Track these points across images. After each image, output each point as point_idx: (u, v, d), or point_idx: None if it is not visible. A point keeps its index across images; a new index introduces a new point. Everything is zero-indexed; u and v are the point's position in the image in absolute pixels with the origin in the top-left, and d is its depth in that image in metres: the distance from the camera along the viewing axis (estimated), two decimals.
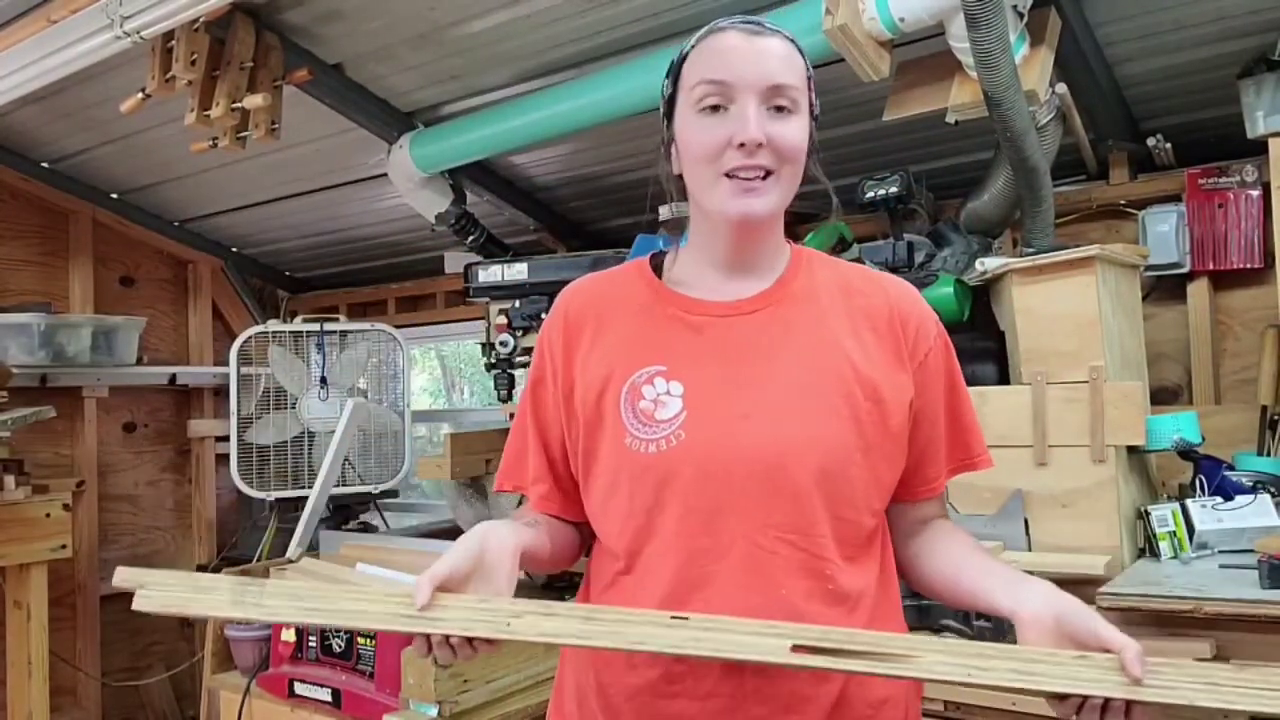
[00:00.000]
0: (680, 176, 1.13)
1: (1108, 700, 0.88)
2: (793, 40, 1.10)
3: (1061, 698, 0.89)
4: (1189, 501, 1.88)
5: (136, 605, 0.97)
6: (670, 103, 1.13)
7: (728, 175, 1.05)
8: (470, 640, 0.96)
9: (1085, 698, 0.88)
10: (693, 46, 1.11)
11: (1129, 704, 0.88)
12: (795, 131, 1.07)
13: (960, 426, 1.18)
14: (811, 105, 1.11)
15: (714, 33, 1.10)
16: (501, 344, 2.84)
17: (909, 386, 1.11)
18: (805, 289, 1.13)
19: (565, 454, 1.16)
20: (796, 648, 0.89)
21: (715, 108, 1.06)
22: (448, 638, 0.96)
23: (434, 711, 1.98)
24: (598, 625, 0.94)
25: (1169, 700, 0.86)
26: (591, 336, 1.14)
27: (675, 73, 1.12)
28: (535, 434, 1.18)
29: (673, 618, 0.93)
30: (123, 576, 0.99)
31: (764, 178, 1.06)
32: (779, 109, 1.06)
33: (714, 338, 1.10)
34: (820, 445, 1.04)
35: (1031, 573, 1.05)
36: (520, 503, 1.29)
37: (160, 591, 0.98)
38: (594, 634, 0.94)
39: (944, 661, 0.89)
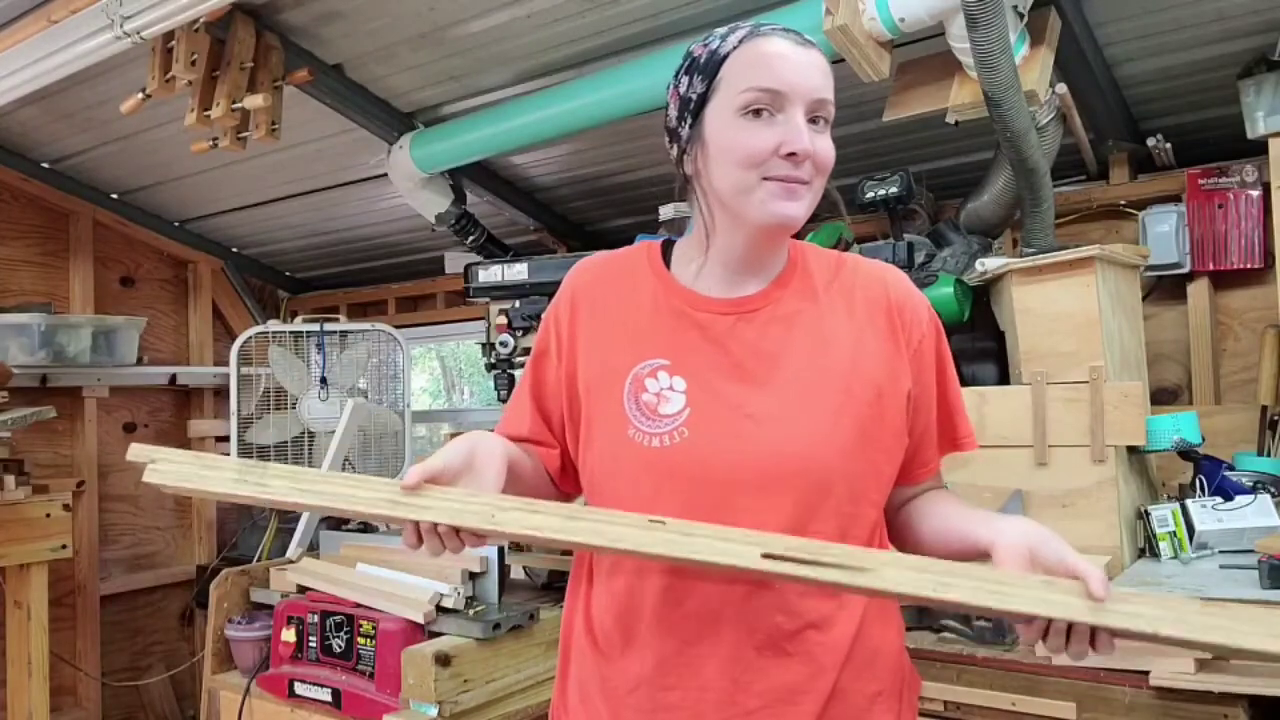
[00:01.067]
0: (690, 175, 1.13)
1: (1072, 625, 0.89)
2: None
3: (1028, 620, 0.91)
4: (1189, 501, 1.88)
5: (146, 478, 1.02)
6: (701, 101, 1.09)
7: (766, 179, 1.05)
8: (458, 532, 0.98)
9: (1050, 621, 0.89)
10: (734, 48, 1.08)
11: (1093, 630, 0.89)
12: (831, 147, 1.09)
13: (951, 410, 1.20)
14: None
15: (759, 36, 1.08)
16: (501, 344, 2.84)
17: (906, 375, 1.12)
18: (804, 286, 1.14)
19: (563, 427, 1.18)
20: (767, 555, 0.91)
21: (758, 112, 1.05)
22: (436, 527, 0.98)
23: (434, 711, 1.98)
24: (580, 523, 0.97)
25: (1131, 626, 0.86)
26: (598, 319, 1.16)
27: (712, 72, 1.08)
28: (533, 404, 1.21)
29: (650, 521, 0.95)
30: (135, 452, 1.04)
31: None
32: (814, 121, 1.07)
33: (717, 335, 1.11)
34: (822, 443, 1.05)
35: None
36: None
37: (171, 466, 1.03)
38: (576, 530, 0.96)
39: (910, 577, 0.90)
